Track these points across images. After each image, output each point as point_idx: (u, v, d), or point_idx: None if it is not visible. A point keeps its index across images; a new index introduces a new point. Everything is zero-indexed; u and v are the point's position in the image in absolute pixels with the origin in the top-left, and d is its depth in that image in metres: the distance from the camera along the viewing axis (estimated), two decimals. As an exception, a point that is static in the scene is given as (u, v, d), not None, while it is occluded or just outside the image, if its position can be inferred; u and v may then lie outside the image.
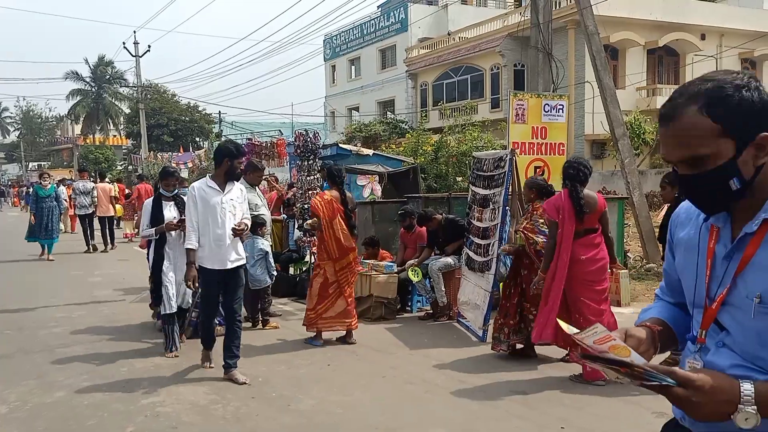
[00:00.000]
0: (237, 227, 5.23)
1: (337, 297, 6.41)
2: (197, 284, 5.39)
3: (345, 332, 6.56)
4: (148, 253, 6.90)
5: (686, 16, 26.37)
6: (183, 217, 6.00)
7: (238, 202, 5.38)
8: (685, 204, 1.64)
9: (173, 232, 6.23)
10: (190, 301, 6.44)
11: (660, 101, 25.76)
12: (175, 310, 6.17)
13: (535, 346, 5.83)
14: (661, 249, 5.66)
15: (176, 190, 6.53)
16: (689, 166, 1.40)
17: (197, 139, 43.65)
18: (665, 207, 6.72)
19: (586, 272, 5.20)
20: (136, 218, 15.97)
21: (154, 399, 4.90)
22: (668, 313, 1.68)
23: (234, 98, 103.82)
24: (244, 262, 5.47)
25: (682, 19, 26.18)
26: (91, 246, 14.82)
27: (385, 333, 6.94)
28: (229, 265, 5.30)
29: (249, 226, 5.49)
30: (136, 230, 16.69)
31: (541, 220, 5.64)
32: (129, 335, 6.91)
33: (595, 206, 5.22)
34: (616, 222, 8.01)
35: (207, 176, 5.50)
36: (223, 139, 33.10)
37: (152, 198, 6.46)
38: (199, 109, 45.96)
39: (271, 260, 7.30)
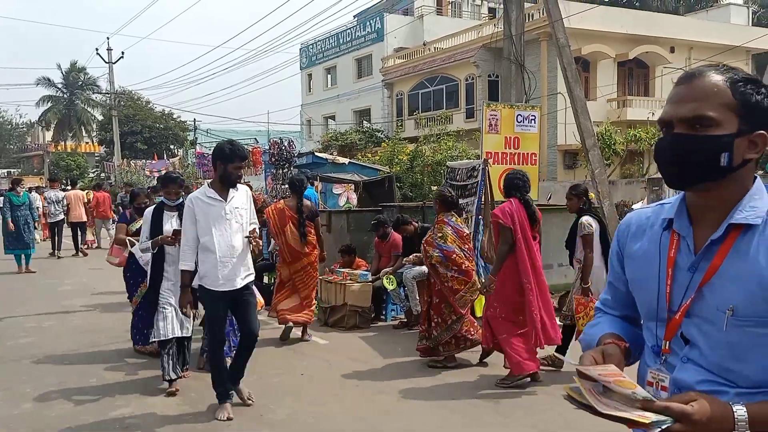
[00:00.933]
0: (250, 233, 4.64)
1: (290, 293, 6.86)
2: (195, 310, 5.05)
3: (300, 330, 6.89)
4: (126, 273, 6.50)
5: (656, 29, 26.94)
6: (178, 228, 5.19)
7: (243, 209, 4.69)
8: (635, 215, 1.62)
9: (174, 247, 5.23)
10: (190, 327, 5.45)
11: (630, 113, 26.27)
12: (176, 334, 5.22)
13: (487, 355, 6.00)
14: (568, 255, 5.84)
15: (180, 199, 5.51)
16: (689, 125, 1.38)
17: (172, 146, 43.24)
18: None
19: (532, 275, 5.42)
20: (95, 227, 16.83)
21: (125, 411, 4.84)
22: (620, 327, 1.62)
23: (209, 106, 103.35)
24: (254, 275, 4.85)
25: (651, 32, 26.73)
26: (56, 252, 14.96)
27: (359, 342, 6.95)
28: (240, 284, 4.62)
29: (259, 229, 4.89)
30: (94, 238, 16.79)
31: (440, 234, 5.81)
32: (99, 346, 6.82)
33: (538, 216, 5.50)
34: (587, 231, 8.12)
35: (206, 183, 4.82)
36: (197, 147, 32.88)
37: (153, 207, 5.54)
38: (174, 116, 45.57)
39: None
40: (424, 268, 7.63)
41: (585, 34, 24.48)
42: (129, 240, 6.31)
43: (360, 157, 20.93)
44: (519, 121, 8.92)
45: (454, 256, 5.74)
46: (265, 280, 9.50)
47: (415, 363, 6.08)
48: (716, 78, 1.39)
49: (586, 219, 5.53)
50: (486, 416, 4.69)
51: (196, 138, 42.48)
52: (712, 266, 1.36)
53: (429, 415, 4.74)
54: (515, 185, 5.44)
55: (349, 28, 38.35)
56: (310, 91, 42.72)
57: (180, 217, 5.27)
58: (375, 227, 8.29)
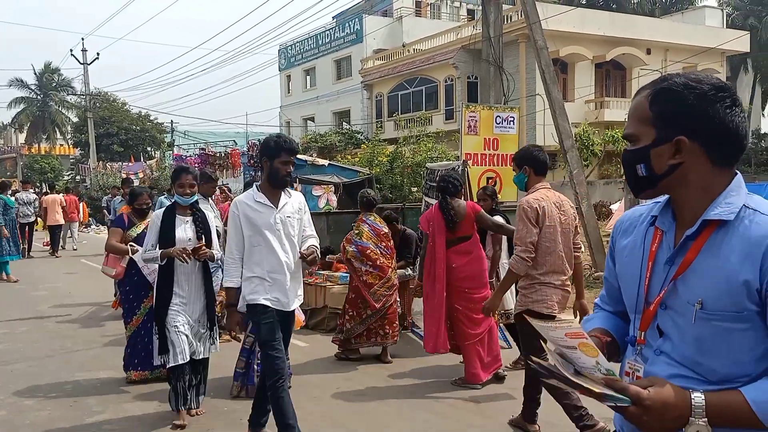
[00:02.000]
0: (306, 254, 3.90)
1: None
2: (243, 332, 4.74)
3: None
4: (124, 287, 5.58)
5: (632, 32, 27.29)
6: (199, 245, 4.51)
7: (296, 218, 3.97)
8: (629, 213, 1.67)
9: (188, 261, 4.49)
10: (203, 350, 4.71)
11: (608, 114, 26.59)
12: (187, 359, 4.50)
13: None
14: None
15: (194, 197, 4.69)
16: (628, 141, 1.49)
17: (149, 148, 42.76)
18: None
19: (460, 279, 5.31)
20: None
21: (100, 417, 4.76)
22: (611, 323, 1.68)
23: (187, 107, 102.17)
24: (302, 298, 4.25)
25: (628, 35, 27.08)
26: (27, 253, 15.15)
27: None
28: (291, 306, 4.00)
29: (318, 249, 4.08)
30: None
31: (357, 231, 6.12)
32: (74, 351, 6.70)
33: (464, 214, 5.32)
34: (566, 231, 8.19)
35: (254, 186, 4.03)
36: (175, 149, 32.57)
37: (164, 209, 4.71)
38: (151, 118, 45.07)
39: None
40: (405, 271, 7.64)
41: (563, 36, 24.71)
42: (130, 246, 5.39)
43: (339, 159, 20.91)
44: (498, 122, 8.97)
45: (369, 251, 5.99)
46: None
47: (398, 364, 6.07)
48: (643, 93, 1.47)
49: (496, 218, 5.71)
50: (469, 418, 4.70)
51: (174, 140, 42.08)
52: (685, 261, 1.41)
53: (411, 416, 4.72)
54: (439, 187, 5.53)
55: (328, 30, 38.30)
56: (289, 93, 42.58)
57: (195, 222, 4.63)
58: (355, 229, 8.25)
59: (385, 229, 6.26)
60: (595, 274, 10.11)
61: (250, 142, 8.82)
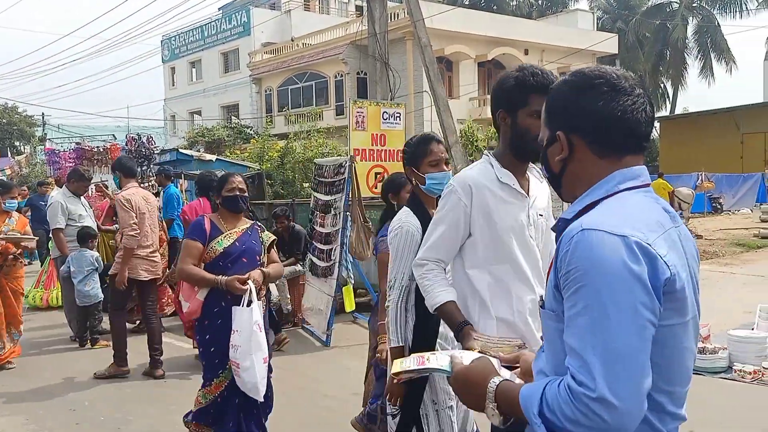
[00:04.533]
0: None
1: None
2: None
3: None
4: (202, 333, 3.67)
5: (512, 33, 28.61)
6: (262, 270, 3.63)
7: (546, 217, 2.42)
8: None
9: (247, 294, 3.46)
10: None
11: (490, 111, 27.75)
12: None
13: None
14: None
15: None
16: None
17: (17, 143, 39.56)
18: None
19: None
20: None
21: None
22: None
23: (60, 98, 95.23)
24: None
25: (508, 35, 28.36)
26: None
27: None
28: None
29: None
30: None
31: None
32: None
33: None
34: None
35: (486, 155, 2.39)
36: (48, 143, 30.32)
37: (205, 217, 3.78)
38: (19, 110, 41.70)
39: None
40: (295, 267, 7.61)
41: (447, 34, 25.47)
42: (214, 278, 3.54)
43: (228, 154, 20.37)
44: (385, 118, 9.10)
45: None
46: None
47: (285, 360, 6.03)
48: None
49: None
50: (358, 411, 4.76)
51: (46, 134, 39.17)
52: (553, 259, 1.39)
53: (299, 412, 4.72)
54: (205, 183, 6.07)
55: (214, 21, 37.13)
56: (173, 85, 40.88)
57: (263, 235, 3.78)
58: (242, 226, 8.10)
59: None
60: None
61: (128, 137, 8.39)
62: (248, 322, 3.35)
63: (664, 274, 1.21)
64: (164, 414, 4.71)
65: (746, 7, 37.05)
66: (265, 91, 33.84)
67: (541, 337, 1.56)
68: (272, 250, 3.89)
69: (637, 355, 1.16)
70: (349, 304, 6.83)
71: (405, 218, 2.68)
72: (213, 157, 15.07)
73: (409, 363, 1.63)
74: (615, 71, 1.37)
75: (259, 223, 3.92)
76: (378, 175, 9.16)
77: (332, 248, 6.73)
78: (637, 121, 1.33)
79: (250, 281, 3.46)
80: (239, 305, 3.45)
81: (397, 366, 1.66)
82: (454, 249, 2.34)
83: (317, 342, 6.71)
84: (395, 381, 1.72)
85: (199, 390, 3.71)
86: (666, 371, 1.26)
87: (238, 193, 3.68)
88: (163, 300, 7.44)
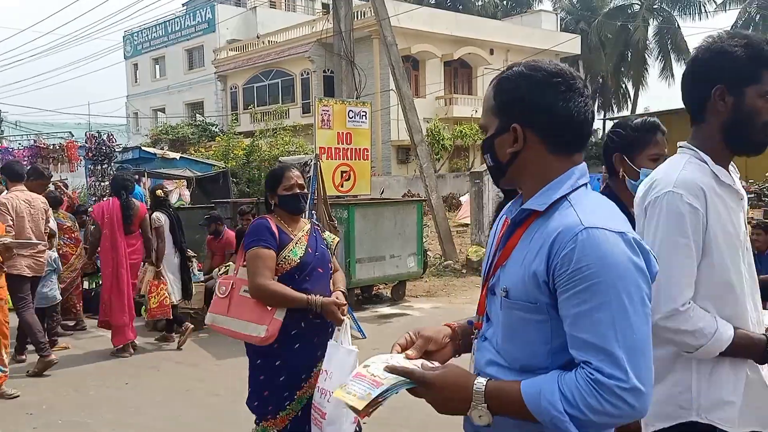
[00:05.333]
0: None
1: None
2: None
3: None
4: (262, 355, 3.02)
5: (477, 32, 28.85)
6: (342, 291, 3.11)
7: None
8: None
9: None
10: None
11: (456, 110, 27.94)
12: None
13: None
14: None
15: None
16: (483, 132, 1.48)
17: (-29, 141, 38.33)
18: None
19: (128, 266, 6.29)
20: None
21: None
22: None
23: (18, 95, 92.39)
24: None
25: (473, 35, 28.59)
26: None
27: (191, 345, 6.67)
28: None
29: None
30: None
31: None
32: None
33: (137, 212, 6.36)
34: (416, 222, 8.51)
35: (690, 149, 1.86)
36: (3, 141, 29.44)
37: (269, 219, 3.08)
38: (-27, 106, 40.43)
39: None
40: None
41: (413, 33, 25.57)
42: (308, 298, 2.91)
43: (193, 152, 20.13)
44: (351, 116, 9.09)
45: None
46: (86, 285, 8.80)
47: (235, 362, 5.97)
48: (492, 84, 1.47)
49: (155, 214, 6.61)
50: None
51: (3, 131, 38.05)
52: (507, 247, 1.42)
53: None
54: (122, 185, 6.33)
55: (178, 17, 36.59)
56: (136, 82, 40.18)
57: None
58: (207, 223, 8.01)
59: (68, 224, 7.33)
60: (445, 262, 10.60)
61: (88, 134, 8.20)
62: (349, 368, 2.61)
63: (655, 267, 1.32)
64: (124, 416, 4.63)
65: (704, 9, 38.08)
66: (231, 89, 33.47)
67: (476, 328, 1.53)
68: (334, 255, 3.31)
69: (648, 344, 1.26)
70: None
71: None
72: (177, 155, 14.82)
73: (361, 389, 1.32)
74: (570, 70, 1.40)
75: (316, 222, 3.29)
76: (344, 174, 9.15)
77: (297, 247, 6.69)
78: (586, 122, 1.39)
79: (345, 316, 2.87)
80: (323, 327, 2.94)
81: (353, 400, 1.31)
82: (693, 273, 1.74)
83: (282, 341, 6.67)
84: (363, 417, 1.36)
85: (258, 425, 3.05)
86: None
87: (298, 191, 3.08)
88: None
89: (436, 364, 1.41)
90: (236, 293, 2.99)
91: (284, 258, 2.94)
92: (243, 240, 3.04)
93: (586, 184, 1.40)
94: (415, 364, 1.38)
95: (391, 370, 1.33)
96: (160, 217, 6.60)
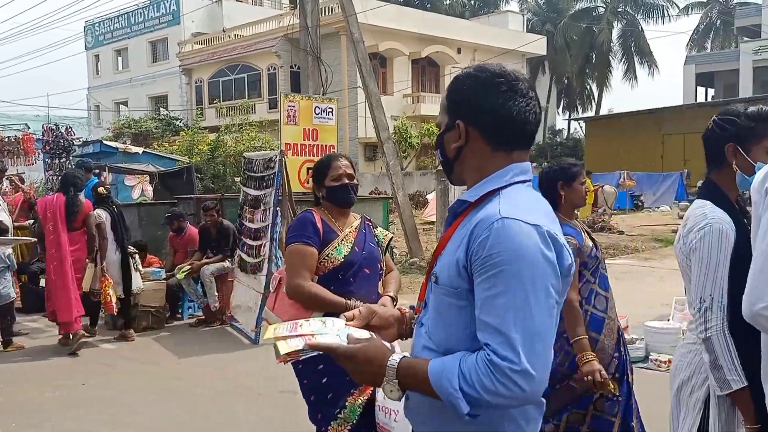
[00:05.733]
0: None
1: None
2: None
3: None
4: (309, 364, 2.66)
5: (445, 31, 28.97)
6: (391, 296, 2.86)
7: None
8: None
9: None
10: None
11: (424, 108, 28.02)
12: None
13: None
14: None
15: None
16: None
17: None
18: None
19: (72, 262, 6.26)
20: None
21: None
22: None
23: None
24: None
25: (441, 34, 28.70)
26: None
27: (152, 344, 6.55)
28: None
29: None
30: None
31: None
32: None
33: (82, 209, 6.37)
34: (382, 219, 8.49)
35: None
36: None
37: (314, 212, 2.83)
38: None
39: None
40: (223, 264, 7.44)
41: (381, 31, 25.54)
42: (346, 303, 2.65)
43: (156, 147, 19.78)
44: (317, 113, 9.01)
45: None
46: (42, 283, 8.56)
47: (214, 359, 5.89)
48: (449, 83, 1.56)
49: (96, 211, 6.56)
50: (292, 407, 4.70)
51: (-44, 123, 36.81)
52: (443, 237, 1.50)
53: (221, 409, 4.61)
54: (72, 182, 6.35)
55: (141, 8, 35.85)
56: (98, 74, 39.26)
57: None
58: (169, 220, 7.86)
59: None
60: (411, 260, 10.60)
61: (45, 126, 7.96)
62: None
63: (567, 261, 1.38)
64: (84, 417, 4.50)
65: (667, 13, 38.98)
66: (196, 83, 32.97)
67: (416, 314, 1.60)
68: (387, 252, 3.05)
69: (549, 332, 1.32)
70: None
71: (711, 213, 2.04)
72: (140, 150, 14.57)
73: (295, 342, 1.43)
74: (515, 72, 1.48)
75: (368, 217, 3.00)
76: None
77: (262, 244, 6.60)
78: (527, 122, 1.45)
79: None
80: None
81: (282, 346, 1.43)
82: None
83: (246, 340, 6.58)
84: (280, 362, 1.46)
85: None
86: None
87: (347, 181, 2.78)
88: None
89: (365, 336, 1.47)
90: (282, 288, 2.78)
91: (327, 256, 2.72)
92: (286, 234, 2.82)
93: (526, 182, 1.46)
94: (347, 333, 1.46)
95: (313, 347, 1.42)
96: (101, 214, 6.56)
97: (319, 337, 1.45)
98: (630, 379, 2.91)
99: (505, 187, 1.43)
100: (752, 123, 2.08)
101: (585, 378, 2.68)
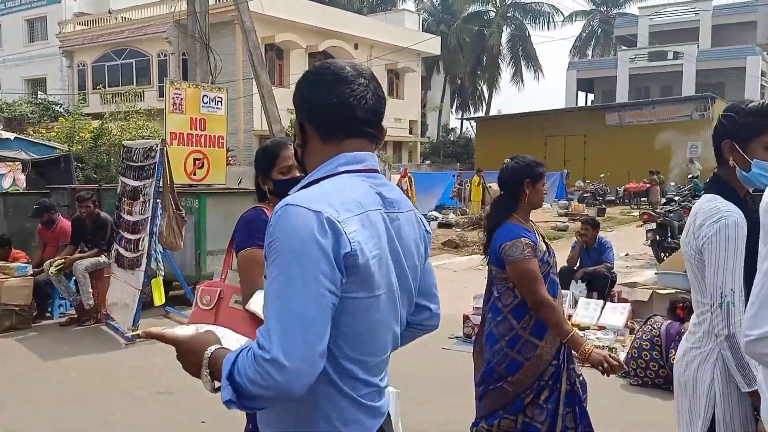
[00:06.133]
0: None
1: None
2: None
3: None
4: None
5: (342, 26, 28.93)
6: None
7: None
8: None
9: None
10: None
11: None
12: None
13: None
14: None
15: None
16: None
17: None
18: None
19: None
20: None
21: None
22: None
23: None
24: None
25: (338, 28, 28.64)
26: None
27: (16, 345, 6.08)
28: None
29: None
30: None
31: None
32: None
33: None
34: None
35: None
36: None
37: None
38: None
39: None
40: (99, 258, 7.02)
41: (278, 22, 25.12)
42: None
43: (32, 133, 18.40)
44: (205, 102, 8.73)
45: None
46: None
47: (84, 360, 5.55)
48: None
49: None
50: (161, 409, 4.51)
51: None
52: None
53: (97, 411, 4.36)
54: None
55: (17, -17, 33.16)
56: (-35, 52, 35.87)
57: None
58: (37, 212, 7.31)
59: None
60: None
61: None
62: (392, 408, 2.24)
63: (344, 249, 1.28)
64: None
65: (553, 20, 41.11)
66: (78, 66, 30.98)
67: None
68: None
69: (313, 320, 1.25)
70: (159, 298, 6.46)
71: (724, 206, 1.98)
72: (11, 135, 13.51)
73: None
74: (347, 64, 1.47)
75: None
76: (197, 161, 8.76)
77: (140, 238, 6.30)
78: (353, 107, 1.41)
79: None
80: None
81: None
82: None
83: (122, 339, 6.26)
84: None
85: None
86: (355, 340, 1.36)
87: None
88: None
89: (209, 329, 1.43)
90: (225, 304, 2.30)
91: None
92: (232, 236, 2.36)
93: (358, 172, 1.41)
94: (205, 328, 1.43)
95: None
96: None
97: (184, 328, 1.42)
98: (561, 389, 2.79)
99: (328, 176, 1.40)
100: (750, 119, 2.04)
101: (598, 368, 2.57)
